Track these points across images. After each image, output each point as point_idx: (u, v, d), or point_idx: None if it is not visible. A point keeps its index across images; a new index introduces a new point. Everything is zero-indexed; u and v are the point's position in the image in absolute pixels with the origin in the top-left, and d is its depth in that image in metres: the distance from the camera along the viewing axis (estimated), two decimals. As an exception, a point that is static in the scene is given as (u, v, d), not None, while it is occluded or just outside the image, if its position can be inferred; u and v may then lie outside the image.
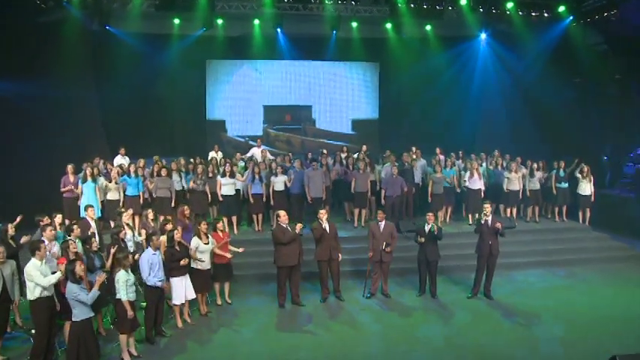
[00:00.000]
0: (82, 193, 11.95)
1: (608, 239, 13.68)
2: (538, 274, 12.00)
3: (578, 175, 13.98)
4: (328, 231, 10.10)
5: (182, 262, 8.59)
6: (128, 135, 17.45)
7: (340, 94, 21.81)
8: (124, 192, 12.29)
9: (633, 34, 16.18)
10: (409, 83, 20.58)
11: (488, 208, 10.63)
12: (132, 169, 12.39)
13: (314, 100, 21.55)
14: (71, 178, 12.12)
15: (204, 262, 9.28)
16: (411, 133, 19.99)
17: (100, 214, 11.78)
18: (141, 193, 12.38)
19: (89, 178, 11.84)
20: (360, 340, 8.70)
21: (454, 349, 8.39)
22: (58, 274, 7.13)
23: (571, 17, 17.16)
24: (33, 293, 7.12)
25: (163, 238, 9.19)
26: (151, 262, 8.11)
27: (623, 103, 16.97)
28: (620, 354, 7.34)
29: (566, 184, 14.12)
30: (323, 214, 10.15)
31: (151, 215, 10.27)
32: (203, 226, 9.42)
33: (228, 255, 9.72)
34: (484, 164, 14.89)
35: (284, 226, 9.92)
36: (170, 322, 9.03)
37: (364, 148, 16.10)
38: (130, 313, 7.42)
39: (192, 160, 14.00)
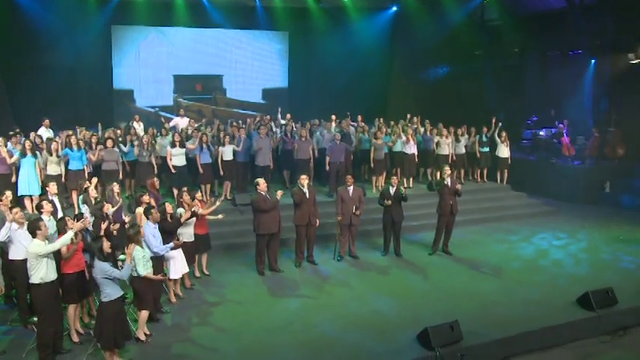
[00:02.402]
0: (17, 168, 10.73)
1: (525, 197, 15.26)
2: (477, 230, 13.08)
3: (498, 140, 15.31)
4: (308, 196, 10.18)
5: (177, 243, 8.15)
6: (30, 106, 15.92)
7: (251, 64, 21.57)
8: (66, 166, 11.24)
9: (528, 13, 18.01)
10: (318, 52, 20.92)
11: (448, 170, 11.37)
12: (73, 140, 11.32)
13: (224, 69, 21.18)
14: (2, 151, 10.78)
15: (189, 234, 8.91)
16: (321, 101, 20.40)
17: (40, 191, 10.74)
18: (85, 167, 11.39)
19: (29, 153, 10.62)
20: (359, 299, 8.95)
21: (449, 298, 8.95)
22: (71, 233, 6.55)
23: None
24: (34, 278, 6.42)
25: (140, 210, 8.71)
26: (154, 235, 7.66)
27: (521, 73, 18.77)
28: (592, 290, 8.48)
29: (488, 148, 15.41)
30: (304, 179, 10.22)
31: (116, 189, 9.55)
32: (186, 197, 9.03)
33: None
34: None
35: (264, 194, 9.82)
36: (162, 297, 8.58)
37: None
38: (158, 277, 7.16)
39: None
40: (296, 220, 10.33)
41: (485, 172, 15.68)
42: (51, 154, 11.11)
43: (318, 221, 10.46)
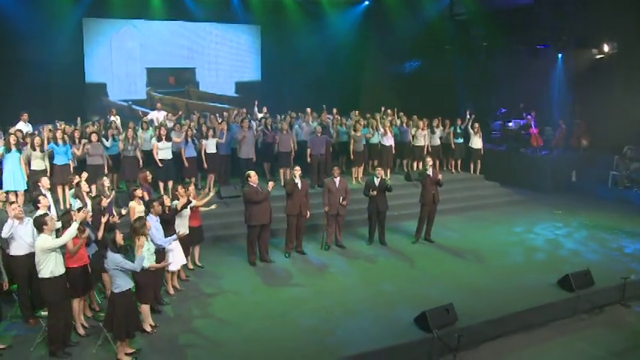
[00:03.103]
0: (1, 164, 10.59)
1: (498, 187, 15.86)
2: (454, 218, 13.54)
3: (471, 131, 15.84)
4: (300, 188, 10.42)
5: (180, 235, 8.30)
6: (2, 100, 15.63)
7: (224, 57, 21.57)
8: (51, 160, 11.14)
9: (495, 8, 18.61)
10: (292, 45, 21.06)
11: (430, 161, 11.77)
12: (59, 135, 11.20)
13: (197, 62, 21.11)
14: (-15, 147, 10.63)
15: (185, 227, 9.03)
16: (294, 94, 20.57)
17: (26, 187, 10.64)
18: (70, 161, 11.30)
19: (13, 147, 10.48)
20: (352, 286, 9.27)
21: (437, 283, 9.35)
22: (75, 224, 6.61)
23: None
24: (44, 273, 6.48)
25: (133, 204, 8.82)
26: (157, 229, 7.77)
27: (491, 67, 19.33)
28: (572, 272, 9.01)
29: (462, 140, 15.93)
30: (297, 171, 10.46)
31: (107, 183, 9.56)
32: (181, 190, 9.11)
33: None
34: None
35: (255, 186, 10.01)
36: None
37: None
38: (162, 264, 7.38)
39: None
40: (287, 210, 10.58)
41: (459, 162, 16.21)
42: (34, 149, 10.96)
43: (309, 212, 10.71)
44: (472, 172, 16.13)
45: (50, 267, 6.43)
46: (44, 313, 6.88)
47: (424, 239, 11.81)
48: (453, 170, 16.20)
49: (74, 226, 6.56)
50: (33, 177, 10.83)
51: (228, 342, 7.26)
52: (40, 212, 7.60)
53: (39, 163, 10.96)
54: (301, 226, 10.78)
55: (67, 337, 6.82)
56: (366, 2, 20.58)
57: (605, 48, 16.21)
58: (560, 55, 17.63)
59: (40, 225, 6.56)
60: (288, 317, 8.03)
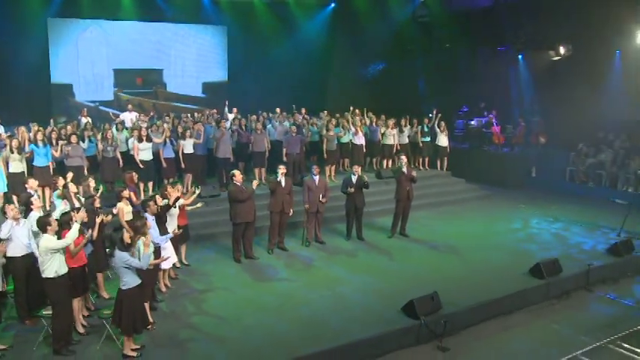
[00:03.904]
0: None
1: (464, 183, 16.56)
2: (425, 214, 14.11)
3: (438, 130, 16.49)
4: (283, 186, 10.74)
5: (176, 233, 8.51)
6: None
7: (190, 58, 21.63)
8: (31, 162, 11.09)
9: (456, 11, 19.40)
10: (259, 46, 21.32)
11: (404, 159, 12.32)
12: (39, 136, 11.16)
13: (164, 63, 21.11)
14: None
15: (174, 225, 9.22)
16: (260, 95, 20.78)
17: (6, 189, 10.57)
18: (50, 163, 11.27)
19: (-8, 150, 10.42)
20: (338, 279, 9.65)
21: (418, 274, 9.83)
22: (77, 225, 6.78)
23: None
24: (49, 272, 6.61)
25: (121, 205, 8.98)
26: (153, 228, 7.95)
27: (453, 67, 20.11)
28: (542, 261, 9.67)
29: (429, 138, 16.56)
30: (282, 169, 10.78)
31: (92, 183, 9.65)
32: (170, 189, 9.30)
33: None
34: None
35: (239, 184, 10.28)
36: (152, 288, 8.86)
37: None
38: (162, 259, 7.63)
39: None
40: (270, 207, 10.91)
41: (426, 160, 16.84)
42: (12, 152, 10.88)
43: (291, 210, 11.05)
44: (439, 169, 16.78)
45: (55, 267, 6.56)
46: (46, 313, 6.99)
47: (399, 234, 12.32)
48: (421, 167, 16.78)
49: (76, 226, 6.71)
50: (12, 179, 10.79)
51: (228, 336, 7.52)
52: (35, 213, 7.73)
53: (17, 166, 10.90)
54: (283, 224, 11.11)
55: (70, 336, 6.95)
56: (332, 5, 20.99)
57: (561, 50, 17.17)
58: (520, 56, 18.52)
59: (43, 225, 6.68)
60: (280, 310, 8.35)
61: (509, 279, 9.58)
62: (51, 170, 11.21)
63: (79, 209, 7.48)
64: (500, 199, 15.81)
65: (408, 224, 12.44)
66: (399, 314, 8.10)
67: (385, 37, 20.72)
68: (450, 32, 20.03)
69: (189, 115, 16.70)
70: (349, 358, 7.23)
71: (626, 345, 7.86)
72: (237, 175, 10.34)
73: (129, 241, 6.65)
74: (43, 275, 6.64)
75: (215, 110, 17.11)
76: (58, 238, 6.74)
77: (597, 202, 15.34)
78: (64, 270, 6.72)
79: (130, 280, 6.55)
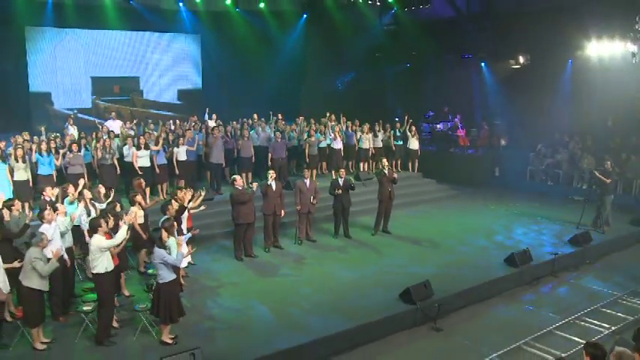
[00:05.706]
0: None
1: (435, 183, 17.81)
2: (403, 213, 15.18)
3: (409, 134, 17.66)
4: (274, 189, 11.60)
5: (194, 233, 9.26)
6: None
7: (166, 66, 22.13)
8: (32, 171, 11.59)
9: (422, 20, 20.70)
10: (233, 54, 22.06)
11: (385, 161, 13.39)
12: (43, 146, 11.65)
13: (141, 71, 21.57)
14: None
15: (184, 227, 9.95)
16: (235, 102, 21.52)
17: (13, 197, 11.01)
18: (54, 172, 11.78)
19: (-1, 159, 10.89)
20: (335, 272, 10.60)
21: (406, 267, 10.86)
22: (125, 227, 7.56)
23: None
24: (100, 269, 7.33)
25: (134, 209, 9.66)
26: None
27: (419, 74, 21.41)
28: (516, 251, 10.87)
29: (401, 142, 17.71)
30: (272, 174, 11.64)
31: (102, 190, 10.28)
32: (180, 194, 10.04)
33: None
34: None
35: (240, 188, 11.10)
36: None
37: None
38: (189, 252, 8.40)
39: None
40: (263, 209, 11.78)
41: (399, 162, 17.99)
42: (17, 161, 11.33)
43: (283, 212, 11.92)
44: (411, 170, 17.97)
45: (104, 263, 7.29)
46: (86, 308, 7.66)
47: (382, 231, 13.35)
48: (394, 170, 17.89)
49: (124, 229, 7.44)
50: (17, 188, 11.23)
51: (247, 324, 8.36)
52: (60, 218, 8.35)
53: (22, 174, 11.37)
54: (277, 224, 11.98)
55: (110, 328, 7.64)
56: (304, 16, 21.94)
57: (521, 59, 18.66)
58: (483, 64, 19.95)
59: (95, 227, 7.43)
60: (291, 300, 9.24)
61: (488, 268, 10.76)
62: (54, 178, 11.71)
63: (114, 214, 8.17)
64: (469, 197, 17.12)
65: (389, 222, 13.49)
66: (396, 301, 9.11)
67: (356, 46, 21.79)
68: (416, 41, 21.28)
69: (177, 121, 17.27)
70: (359, 338, 8.19)
71: (590, 319, 9.11)
72: (238, 180, 11.17)
73: (166, 239, 7.41)
74: (94, 271, 7.37)
75: (195, 117, 17.69)
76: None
77: (556, 198, 16.85)
78: (112, 267, 7.46)
79: (166, 275, 7.32)
